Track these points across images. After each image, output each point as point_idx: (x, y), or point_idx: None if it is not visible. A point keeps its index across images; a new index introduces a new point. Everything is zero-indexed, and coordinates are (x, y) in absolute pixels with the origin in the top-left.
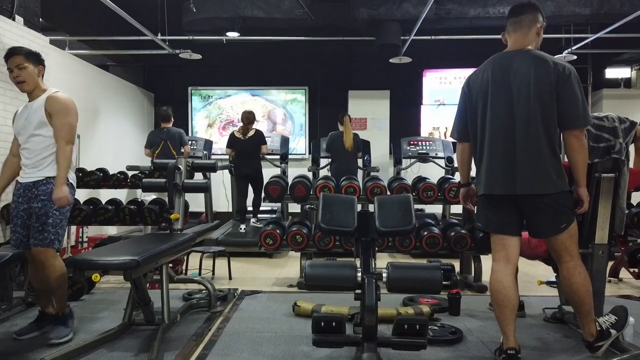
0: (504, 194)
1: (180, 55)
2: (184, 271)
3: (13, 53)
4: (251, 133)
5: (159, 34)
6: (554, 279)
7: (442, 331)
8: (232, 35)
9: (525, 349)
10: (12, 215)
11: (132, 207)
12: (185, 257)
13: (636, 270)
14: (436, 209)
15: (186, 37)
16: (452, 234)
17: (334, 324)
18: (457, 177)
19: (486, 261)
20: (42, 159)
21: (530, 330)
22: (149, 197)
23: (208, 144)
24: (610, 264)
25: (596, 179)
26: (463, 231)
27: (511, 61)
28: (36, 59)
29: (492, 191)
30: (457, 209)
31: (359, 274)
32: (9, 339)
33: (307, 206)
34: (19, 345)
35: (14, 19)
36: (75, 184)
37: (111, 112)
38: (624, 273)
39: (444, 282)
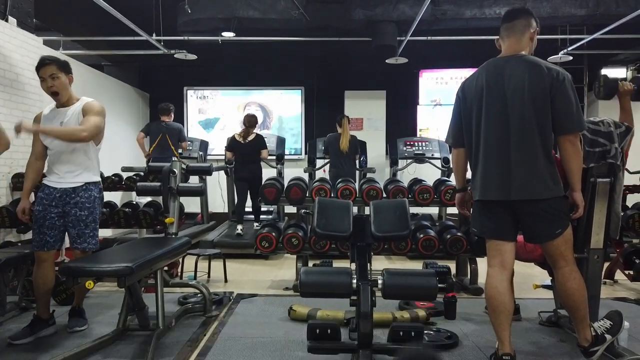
0: (499, 199)
1: (175, 56)
2: (179, 274)
3: (45, 63)
4: (251, 137)
5: (154, 34)
6: (549, 282)
7: (437, 336)
8: (228, 35)
9: (520, 354)
10: (37, 217)
11: (127, 209)
12: (180, 260)
13: (631, 272)
14: (432, 209)
15: (181, 38)
16: (448, 236)
17: (329, 330)
18: (453, 178)
19: (482, 263)
20: (78, 164)
21: (526, 334)
22: (144, 199)
23: (204, 145)
24: (605, 265)
25: (591, 184)
26: (459, 234)
27: (505, 66)
28: (67, 68)
29: (487, 197)
30: (453, 210)
31: (355, 281)
32: (3, 343)
33: (303, 211)
34: (13, 350)
35: (7, 20)
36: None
37: (106, 112)
38: (619, 275)
39: (439, 285)
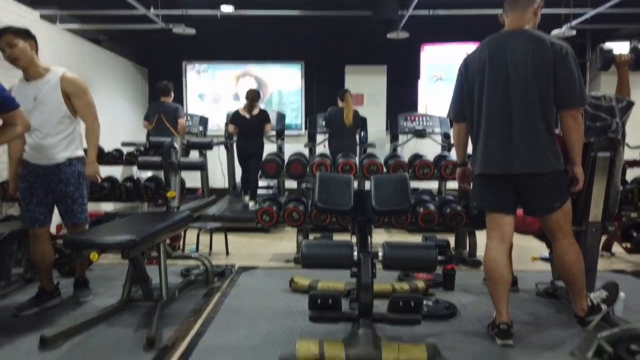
0: (500, 173)
1: (173, 30)
2: (181, 247)
3: (1, 33)
4: (256, 111)
5: (152, 8)
6: (547, 255)
7: (436, 306)
8: (227, 9)
9: (517, 324)
10: (23, 195)
11: (129, 184)
12: (182, 233)
13: (629, 245)
14: (432, 184)
15: (179, 12)
16: (448, 210)
17: (330, 301)
18: (453, 153)
19: (481, 236)
20: (60, 140)
21: (523, 305)
22: (145, 174)
23: (203, 121)
24: (603, 238)
25: (592, 158)
26: (458, 208)
27: (508, 41)
28: (25, 34)
29: (488, 171)
30: (453, 185)
31: (355, 253)
32: (9, 315)
33: (304, 185)
34: (19, 321)
35: None
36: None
37: (104, 87)
38: (616, 248)
39: (439, 257)
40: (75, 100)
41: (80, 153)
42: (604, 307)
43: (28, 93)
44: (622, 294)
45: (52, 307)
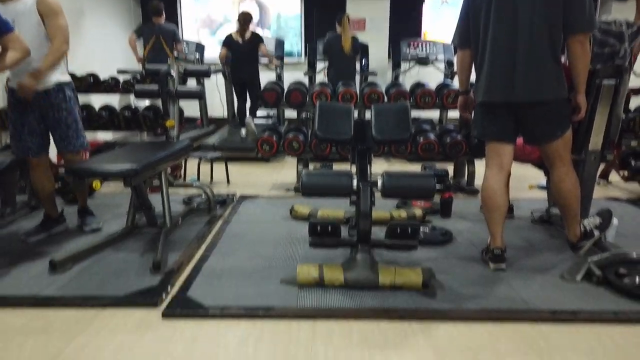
0: (502, 101)
1: None
2: (182, 176)
3: None
4: (248, 35)
5: None
6: (544, 183)
7: (433, 233)
8: None
9: (511, 249)
10: (15, 124)
11: (127, 113)
12: (183, 163)
13: (626, 173)
14: (433, 113)
15: None
16: (448, 139)
17: (329, 228)
18: (456, 81)
19: (480, 166)
20: None
21: (518, 231)
22: (143, 102)
23: (200, 48)
24: (601, 166)
25: (596, 86)
26: (459, 137)
27: None
28: None
29: (490, 98)
30: (454, 114)
31: (355, 182)
32: (18, 240)
33: (304, 114)
34: (27, 247)
35: None
36: (74, 89)
37: (96, 14)
38: (613, 176)
39: (437, 186)
40: (47, 20)
41: (68, 78)
42: (596, 233)
43: (5, 15)
44: (615, 221)
45: (59, 234)
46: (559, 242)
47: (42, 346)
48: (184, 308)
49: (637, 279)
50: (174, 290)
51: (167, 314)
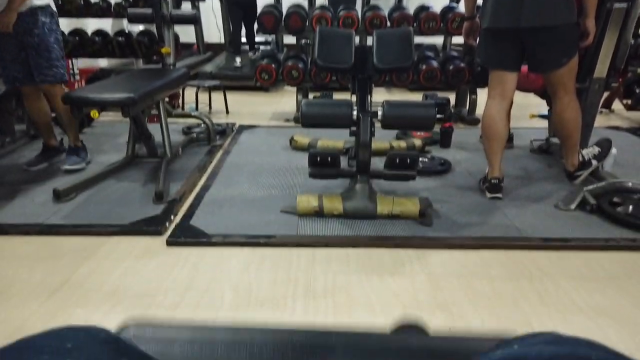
0: (508, 26)
1: None
2: (180, 105)
3: None
4: None
5: None
6: (545, 112)
7: (431, 163)
8: None
9: (508, 178)
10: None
11: (120, 38)
12: (181, 92)
13: (629, 101)
14: (437, 39)
15: None
16: (451, 67)
17: (329, 158)
18: (462, 6)
19: (482, 95)
20: None
21: (516, 161)
22: (137, 28)
23: None
24: (604, 95)
25: (607, 9)
26: (462, 64)
27: None
28: None
29: (496, 24)
30: (458, 40)
31: (355, 112)
32: (20, 170)
33: (303, 41)
34: (29, 176)
35: None
36: (56, 13)
37: None
38: (616, 104)
39: (438, 116)
40: None
41: (44, 2)
42: (594, 162)
43: None
44: (614, 150)
45: (60, 162)
46: (556, 172)
47: (50, 272)
48: (187, 236)
49: (630, 208)
50: (177, 219)
51: (171, 242)
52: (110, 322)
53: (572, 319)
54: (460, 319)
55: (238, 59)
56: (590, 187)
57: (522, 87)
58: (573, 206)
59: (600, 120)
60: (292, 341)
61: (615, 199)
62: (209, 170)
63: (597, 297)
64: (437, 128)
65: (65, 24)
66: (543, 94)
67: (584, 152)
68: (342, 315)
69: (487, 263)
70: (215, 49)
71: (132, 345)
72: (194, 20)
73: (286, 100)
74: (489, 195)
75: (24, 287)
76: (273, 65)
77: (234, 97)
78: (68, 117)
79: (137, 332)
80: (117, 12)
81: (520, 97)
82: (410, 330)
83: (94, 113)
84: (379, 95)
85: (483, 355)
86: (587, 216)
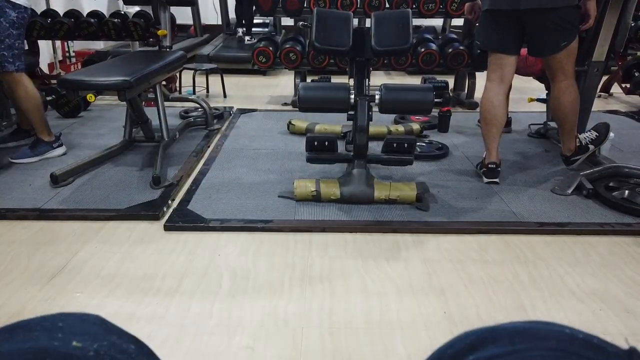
0: (508, 8)
1: None
2: (177, 89)
3: None
4: None
5: None
6: (544, 96)
7: (429, 147)
8: None
9: (505, 163)
10: None
11: (116, 20)
12: (177, 75)
13: (628, 85)
14: (437, 21)
15: None
16: (450, 50)
17: (326, 143)
18: None
19: (481, 78)
20: None
21: (514, 145)
22: (132, 9)
23: None
24: (603, 79)
25: None
26: (461, 47)
27: None
28: None
29: (496, 6)
30: (458, 22)
31: (352, 96)
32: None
33: (301, 23)
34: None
35: None
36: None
37: None
38: (615, 87)
39: (435, 100)
40: None
41: None
42: (591, 147)
43: None
44: (611, 134)
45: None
46: (553, 156)
47: (49, 257)
48: (185, 221)
49: (626, 192)
50: (174, 204)
51: (169, 227)
52: (109, 306)
53: (565, 303)
54: (454, 303)
55: (247, 37)
56: (587, 171)
57: (521, 71)
58: (569, 191)
59: (599, 104)
60: None
61: (612, 184)
62: (207, 154)
63: (591, 281)
64: (435, 112)
65: (60, 5)
66: (542, 77)
67: (581, 136)
68: (338, 299)
69: (483, 247)
70: (212, 30)
71: (123, 329)
72: (191, 1)
73: (284, 84)
74: (485, 179)
75: (23, 271)
76: (270, 48)
77: (231, 80)
78: (29, 109)
79: None
80: None
81: (519, 81)
82: None
83: (90, 97)
84: (378, 79)
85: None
86: (584, 201)
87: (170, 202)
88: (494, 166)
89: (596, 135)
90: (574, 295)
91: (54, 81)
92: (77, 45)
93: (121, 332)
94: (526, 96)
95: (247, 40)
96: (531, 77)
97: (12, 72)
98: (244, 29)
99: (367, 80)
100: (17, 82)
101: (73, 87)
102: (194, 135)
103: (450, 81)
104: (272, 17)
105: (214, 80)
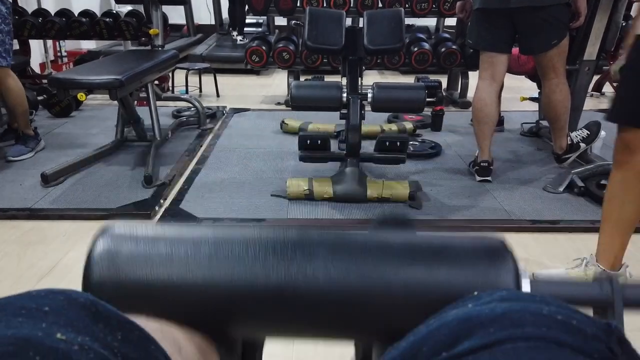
0: (499, 7)
1: None
2: (170, 88)
3: None
4: None
5: None
6: (536, 95)
7: (422, 146)
8: None
9: (498, 161)
10: None
11: (108, 19)
12: (170, 74)
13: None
14: (430, 21)
15: None
16: (443, 49)
17: (319, 141)
18: None
19: (473, 78)
20: None
21: (506, 144)
22: (124, 8)
23: None
24: (595, 78)
25: None
26: (454, 47)
27: None
28: None
29: (487, 4)
30: (450, 22)
31: (345, 95)
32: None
33: (294, 22)
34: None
35: None
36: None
37: None
38: (606, 87)
39: (429, 99)
40: None
41: None
42: (582, 145)
43: None
44: (603, 133)
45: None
46: (545, 155)
47: (40, 256)
48: (177, 220)
49: None
50: (166, 203)
51: None
52: None
53: None
54: None
55: (239, 37)
56: (579, 169)
57: (513, 69)
58: (561, 189)
59: (590, 104)
60: (280, 239)
61: (603, 182)
62: (199, 154)
63: None
64: (428, 111)
65: (51, 4)
66: (534, 76)
67: (573, 134)
68: None
69: None
70: (205, 30)
71: (112, 309)
72: (183, 0)
73: (277, 84)
74: (478, 178)
75: (12, 272)
76: (263, 47)
77: (224, 80)
78: (15, 104)
79: (119, 232)
80: None
81: (511, 80)
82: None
83: (80, 95)
84: (371, 79)
85: (436, 317)
86: (575, 198)
87: (162, 201)
88: (487, 164)
89: (587, 134)
90: None
91: (45, 81)
92: (68, 45)
93: (109, 318)
94: (518, 95)
95: (240, 40)
96: (523, 76)
97: (3, 67)
98: (237, 31)
99: (360, 79)
100: (6, 76)
101: (64, 86)
102: (187, 134)
103: (444, 80)
104: (265, 17)
105: (207, 80)
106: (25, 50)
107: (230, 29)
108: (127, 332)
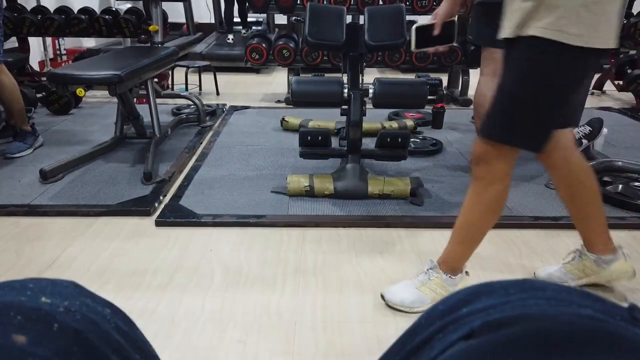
0: (500, 1)
1: None
2: (170, 86)
3: None
4: None
5: None
6: None
7: (423, 143)
8: None
9: None
10: None
11: (107, 17)
12: (170, 72)
13: (620, 82)
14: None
15: None
16: None
17: (320, 137)
18: None
19: (474, 75)
20: None
21: None
22: (124, 5)
23: None
24: (596, 77)
25: None
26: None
27: None
28: None
29: None
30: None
31: (346, 90)
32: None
33: (294, 18)
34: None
35: None
36: None
37: None
38: (608, 85)
39: (430, 97)
40: None
41: None
42: (584, 142)
43: None
44: (604, 130)
45: (40, 147)
46: None
47: (38, 253)
48: (177, 216)
49: (619, 187)
50: (166, 199)
51: (160, 222)
52: None
53: None
54: None
55: (230, 36)
56: None
57: None
58: None
59: (592, 101)
60: None
61: (606, 178)
62: (199, 151)
63: None
64: (429, 109)
65: (50, 2)
66: None
67: (575, 131)
68: (331, 294)
69: None
70: (205, 29)
71: (98, 295)
72: None
73: (277, 82)
74: None
75: (11, 268)
76: (264, 45)
77: (224, 78)
78: (11, 100)
79: None
80: None
81: None
82: None
83: (79, 91)
84: (371, 76)
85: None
86: None
87: (161, 197)
88: None
89: (589, 130)
90: None
91: (44, 79)
92: (68, 43)
93: (95, 297)
94: None
95: (243, 33)
96: None
97: None
98: (242, 25)
99: (361, 75)
100: (0, 72)
101: (62, 82)
102: (186, 132)
103: (444, 78)
104: (265, 15)
105: (207, 78)
106: (25, 48)
107: (228, 35)
108: (116, 310)
